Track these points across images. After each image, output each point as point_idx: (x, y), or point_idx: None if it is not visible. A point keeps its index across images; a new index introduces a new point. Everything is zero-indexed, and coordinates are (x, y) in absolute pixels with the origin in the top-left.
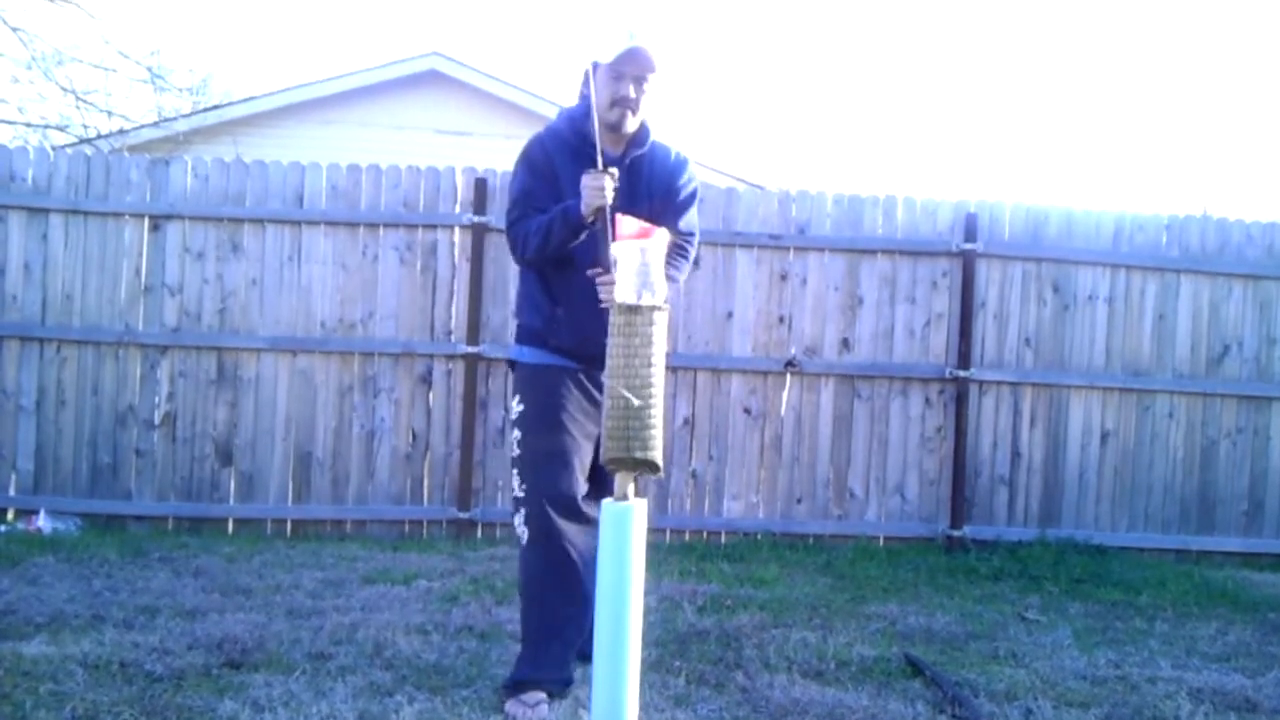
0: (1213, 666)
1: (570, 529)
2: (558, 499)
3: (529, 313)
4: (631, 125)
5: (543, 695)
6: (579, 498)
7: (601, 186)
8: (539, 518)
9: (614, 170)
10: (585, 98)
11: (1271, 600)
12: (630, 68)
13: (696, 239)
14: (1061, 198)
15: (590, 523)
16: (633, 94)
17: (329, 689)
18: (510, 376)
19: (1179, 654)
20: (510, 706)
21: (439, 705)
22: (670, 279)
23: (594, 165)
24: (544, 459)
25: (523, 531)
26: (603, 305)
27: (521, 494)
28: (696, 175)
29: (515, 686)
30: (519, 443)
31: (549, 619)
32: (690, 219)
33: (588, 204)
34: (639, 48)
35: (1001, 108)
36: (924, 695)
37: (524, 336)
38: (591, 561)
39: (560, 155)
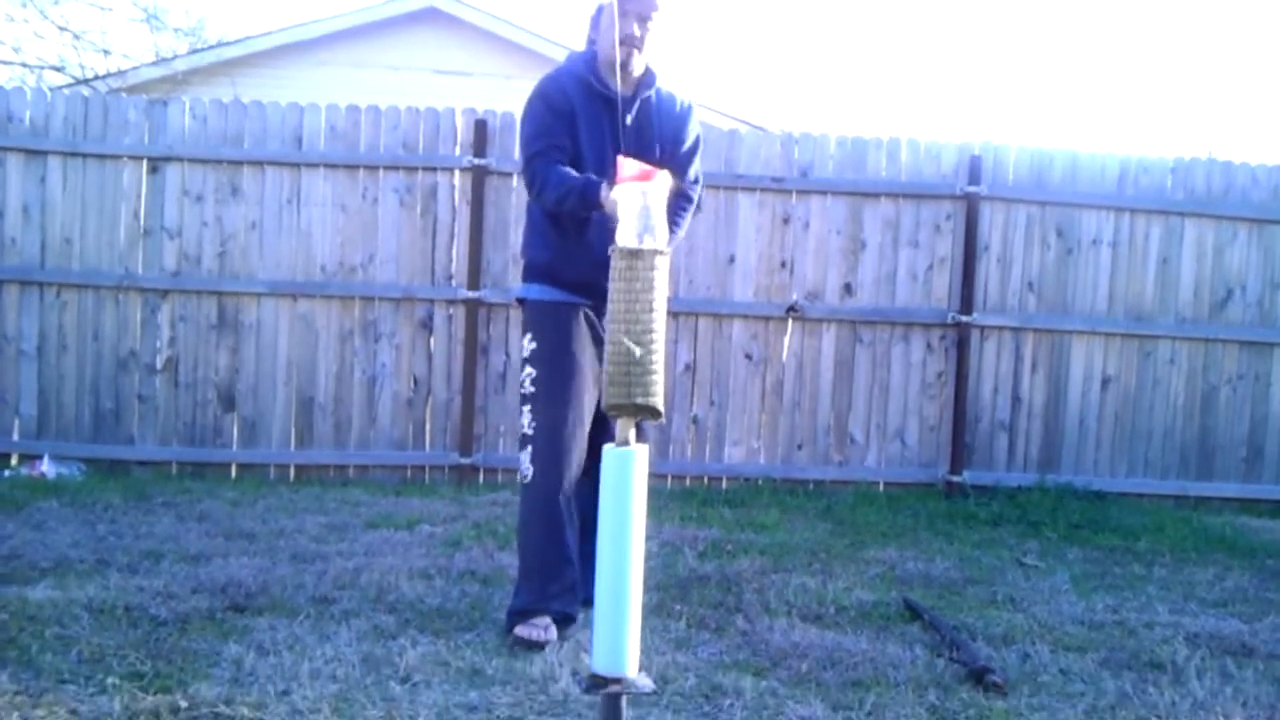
0: (1210, 612)
1: (576, 470)
2: (566, 438)
3: (537, 247)
4: (638, 65)
5: (549, 619)
6: (585, 438)
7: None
8: (547, 455)
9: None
10: (593, 41)
11: (1269, 546)
12: (634, 5)
13: (700, 187)
14: (1067, 140)
15: (593, 468)
16: (637, 32)
17: (333, 633)
18: (520, 315)
19: (1176, 599)
20: (520, 630)
21: (442, 648)
22: (674, 228)
23: (608, 105)
24: (555, 397)
25: (528, 470)
26: None
27: (531, 431)
28: (700, 123)
29: (519, 614)
30: (532, 380)
31: (551, 553)
32: (695, 167)
33: (611, 210)
34: None
35: (1007, 48)
36: (922, 639)
37: (532, 273)
38: (593, 506)
39: (577, 94)
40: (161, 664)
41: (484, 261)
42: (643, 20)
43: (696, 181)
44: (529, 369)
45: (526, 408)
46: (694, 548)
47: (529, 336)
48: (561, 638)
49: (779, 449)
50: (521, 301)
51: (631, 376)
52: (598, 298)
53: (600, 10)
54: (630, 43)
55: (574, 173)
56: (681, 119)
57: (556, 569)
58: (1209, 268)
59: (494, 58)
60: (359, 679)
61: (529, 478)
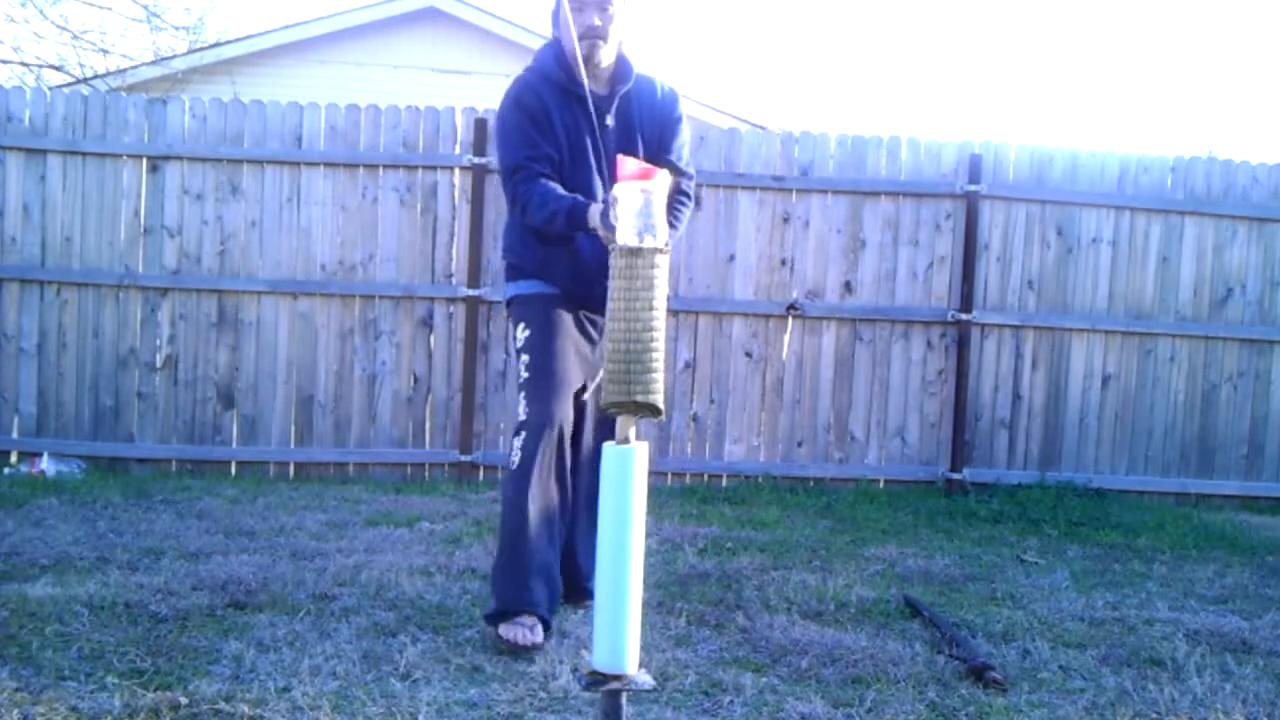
0: (1210, 609)
1: (562, 461)
2: (558, 428)
3: (521, 252)
4: (606, 56)
5: (534, 619)
6: (571, 424)
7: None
8: (537, 445)
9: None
10: (558, 38)
11: (1269, 543)
12: None
13: (694, 180)
14: (1066, 139)
15: (578, 461)
16: (598, 21)
17: (333, 630)
18: (509, 312)
19: (1176, 596)
20: (504, 630)
21: (442, 645)
22: (673, 225)
23: (583, 104)
24: (549, 384)
25: (517, 456)
26: None
27: (524, 416)
28: (686, 111)
29: (501, 615)
30: (526, 366)
31: (533, 549)
32: (684, 151)
33: (600, 231)
34: None
35: (1007, 48)
36: (922, 636)
37: (519, 273)
38: (571, 501)
39: (551, 95)
40: (162, 661)
41: (484, 259)
42: (602, 8)
43: (691, 177)
44: (524, 356)
45: (522, 394)
46: (694, 545)
47: (521, 325)
48: (546, 637)
49: (779, 446)
50: (510, 301)
51: (631, 374)
52: (588, 302)
53: (559, 3)
54: (592, 34)
55: (559, 190)
56: (663, 107)
57: (538, 561)
58: (1209, 266)
59: (493, 57)
60: (359, 676)
61: (516, 463)
